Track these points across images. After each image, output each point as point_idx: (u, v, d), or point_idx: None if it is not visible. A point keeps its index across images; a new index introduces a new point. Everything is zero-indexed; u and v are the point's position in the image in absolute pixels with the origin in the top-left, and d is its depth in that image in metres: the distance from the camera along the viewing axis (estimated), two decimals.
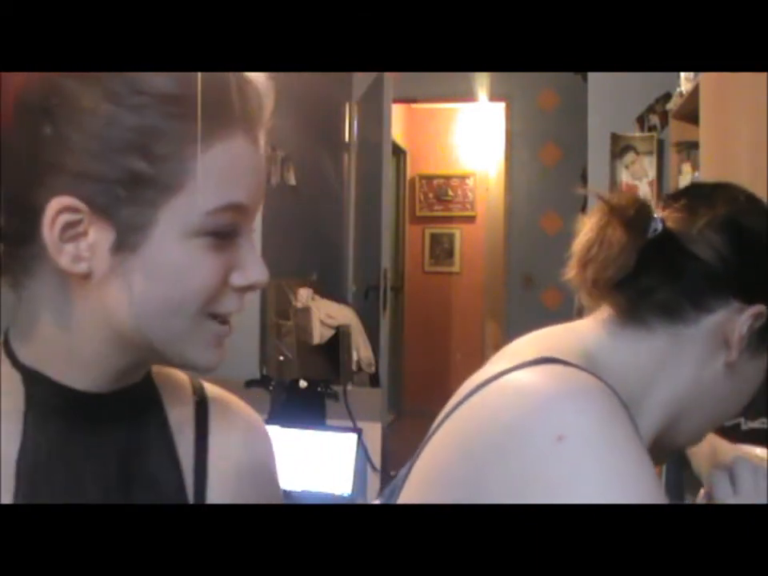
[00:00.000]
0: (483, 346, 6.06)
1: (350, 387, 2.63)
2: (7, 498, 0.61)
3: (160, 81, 0.59)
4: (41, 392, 0.64)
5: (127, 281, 0.61)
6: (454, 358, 6.24)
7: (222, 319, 0.65)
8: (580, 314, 0.88)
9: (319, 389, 2.50)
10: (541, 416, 0.67)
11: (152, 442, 0.69)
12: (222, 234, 0.62)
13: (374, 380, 3.49)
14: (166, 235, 0.60)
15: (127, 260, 0.61)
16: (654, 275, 0.79)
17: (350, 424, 2.43)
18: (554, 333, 0.84)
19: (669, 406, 0.80)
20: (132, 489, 0.66)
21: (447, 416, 0.76)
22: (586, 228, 0.80)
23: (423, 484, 0.75)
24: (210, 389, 0.77)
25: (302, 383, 2.49)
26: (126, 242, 0.60)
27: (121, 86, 0.59)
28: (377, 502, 0.85)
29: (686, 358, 0.80)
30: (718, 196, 0.83)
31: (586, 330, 0.82)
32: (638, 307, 0.80)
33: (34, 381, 0.64)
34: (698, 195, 0.84)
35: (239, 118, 0.62)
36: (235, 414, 0.77)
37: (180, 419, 0.72)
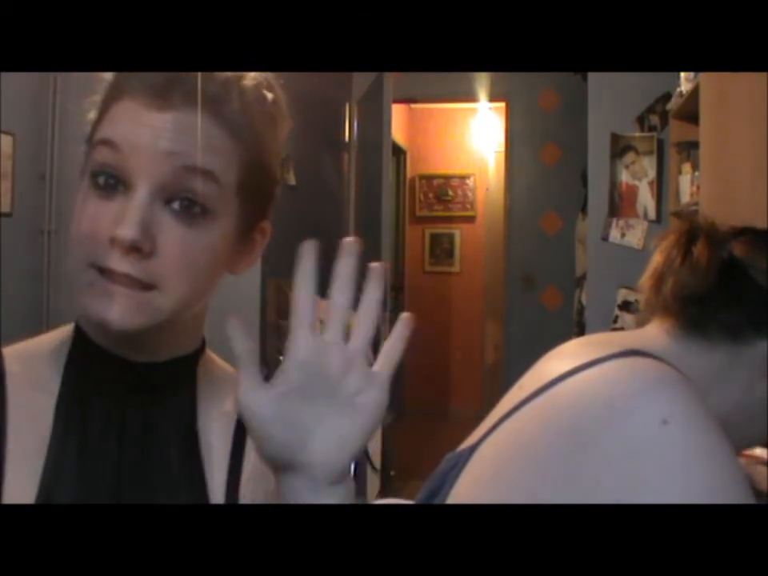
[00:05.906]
0: (483, 345, 6.06)
1: None
2: (43, 441, 0.67)
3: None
4: (78, 349, 0.72)
5: None
6: (454, 357, 6.24)
7: (102, 271, 0.66)
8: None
9: None
10: (645, 399, 0.72)
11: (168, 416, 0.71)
12: (104, 177, 0.65)
13: None
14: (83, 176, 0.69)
15: None
16: (722, 295, 0.86)
17: None
18: (618, 335, 0.89)
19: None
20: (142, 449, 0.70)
21: (516, 409, 0.80)
22: (668, 243, 0.88)
23: (501, 465, 0.79)
24: None
25: None
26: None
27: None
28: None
29: (739, 377, 0.86)
30: None
31: (653, 335, 0.88)
32: (704, 322, 0.86)
33: (77, 338, 0.72)
34: (759, 234, 0.91)
35: (132, 89, 0.66)
36: None
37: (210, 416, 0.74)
